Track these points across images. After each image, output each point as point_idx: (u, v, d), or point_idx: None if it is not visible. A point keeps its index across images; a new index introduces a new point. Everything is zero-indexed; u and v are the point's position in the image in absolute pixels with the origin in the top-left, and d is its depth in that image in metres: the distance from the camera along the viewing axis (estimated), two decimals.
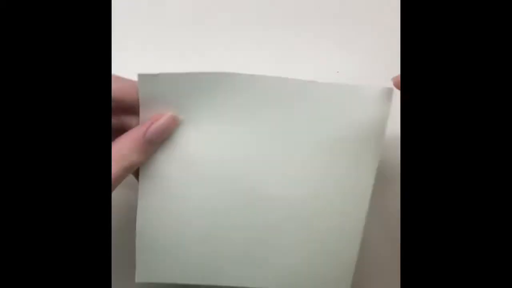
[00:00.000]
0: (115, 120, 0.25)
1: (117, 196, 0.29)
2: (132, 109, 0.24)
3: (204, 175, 0.26)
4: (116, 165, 0.22)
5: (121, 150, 0.23)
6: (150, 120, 0.24)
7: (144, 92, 0.23)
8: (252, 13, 0.34)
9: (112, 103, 0.23)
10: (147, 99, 0.23)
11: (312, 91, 0.25)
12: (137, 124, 0.24)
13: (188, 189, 0.26)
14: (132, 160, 0.23)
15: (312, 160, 0.26)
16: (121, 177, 0.23)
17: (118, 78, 0.23)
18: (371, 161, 0.27)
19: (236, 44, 0.33)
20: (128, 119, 0.25)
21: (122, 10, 0.32)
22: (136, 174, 0.26)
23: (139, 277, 0.27)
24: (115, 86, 0.23)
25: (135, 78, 0.24)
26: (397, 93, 0.31)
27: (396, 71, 0.32)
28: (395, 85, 0.25)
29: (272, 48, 0.33)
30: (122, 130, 0.25)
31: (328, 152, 0.26)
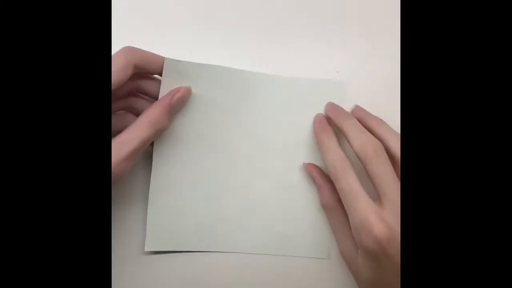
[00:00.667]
0: (132, 84, 0.29)
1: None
2: (146, 74, 0.29)
3: (204, 147, 0.31)
4: (151, 128, 0.26)
5: (155, 116, 0.27)
6: (172, 91, 0.28)
7: (166, 72, 0.28)
8: (253, 14, 0.34)
9: (134, 68, 0.26)
10: (168, 77, 0.29)
11: (283, 83, 0.31)
12: (149, 86, 0.29)
13: (191, 160, 0.30)
14: (163, 124, 0.27)
15: (287, 138, 0.31)
16: (153, 138, 0.27)
17: (141, 50, 0.27)
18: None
19: (236, 44, 0.33)
20: (142, 83, 0.29)
21: (122, 10, 0.33)
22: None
23: (149, 246, 0.30)
24: (139, 55, 0.27)
25: None
26: (397, 93, 0.31)
27: (396, 71, 0.32)
28: (307, 172, 0.31)
29: (273, 49, 0.33)
30: (136, 91, 0.29)
31: (297, 130, 0.31)
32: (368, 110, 0.31)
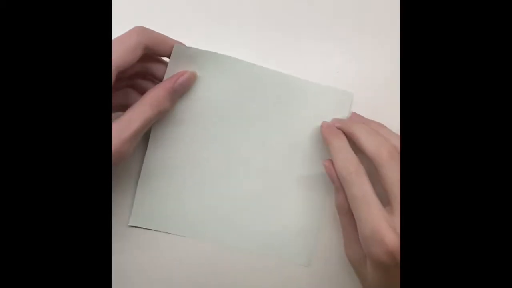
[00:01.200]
0: (140, 67, 0.29)
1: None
2: (155, 56, 0.29)
3: (202, 137, 0.31)
4: (154, 109, 0.26)
5: (157, 98, 0.27)
6: (177, 74, 0.28)
7: (174, 56, 0.28)
8: (253, 13, 0.34)
9: (144, 49, 0.26)
10: (174, 61, 0.29)
11: (292, 84, 0.31)
12: (156, 69, 0.29)
13: (187, 148, 0.31)
14: (165, 105, 0.27)
15: (285, 141, 0.31)
16: (155, 119, 0.27)
17: (152, 31, 0.27)
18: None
19: (237, 43, 0.33)
20: (151, 65, 0.29)
21: (122, 6, 0.33)
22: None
23: (133, 221, 0.31)
24: (150, 36, 0.27)
25: None
26: (397, 93, 0.31)
27: (396, 71, 0.32)
28: (326, 170, 0.29)
29: (273, 48, 0.33)
30: (143, 72, 0.29)
31: (297, 135, 0.31)
32: (368, 110, 0.31)
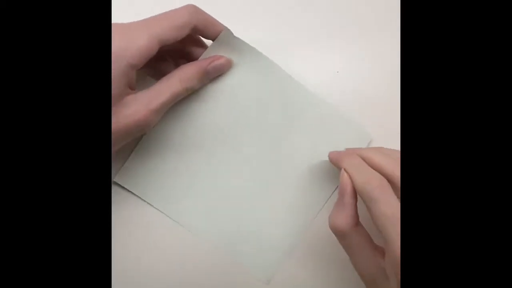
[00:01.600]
0: (181, 46, 0.28)
1: None
2: (197, 36, 0.29)
3: (214, 126, 0.30)
4: (182, 84, 0.27)
5: (187, 74, 0.27)
6: (213, 57, 0.28)
7: (218, 40, 0.28)
8: (252, 13, 0.34)
9: (192, 29, 0.26)
10: (216, 46, 0.28)
11: (318, 107, 0.31)
12: (195, 51, 0.29)
13: (197, 131, 0.30)
14: (193, 83, 0.27)
15: (290, 157, 0.31)
16: (183, 95, 0.27)
17: (204, 12, 0.27)
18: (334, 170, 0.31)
19: None
20: (190, 45, 0.29)
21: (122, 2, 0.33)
22: None
23: (119, 179, 0.31)
24: (201, 18, 0.26)
25: None
26: (397, 93, 0.31)
27: (396, 71, 0.32)
28: (330, 160, 0.28)
29: (273, 48, 0.33)
30: (182, 50, 0.29)
31: (304, 154, 0.31)
32: (368, 110, 0.31)
